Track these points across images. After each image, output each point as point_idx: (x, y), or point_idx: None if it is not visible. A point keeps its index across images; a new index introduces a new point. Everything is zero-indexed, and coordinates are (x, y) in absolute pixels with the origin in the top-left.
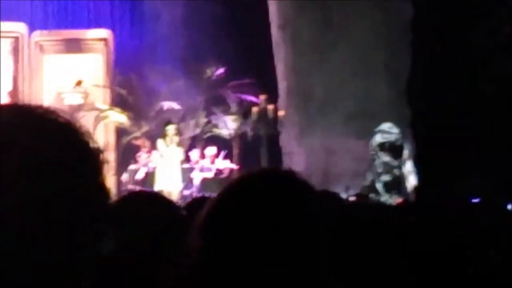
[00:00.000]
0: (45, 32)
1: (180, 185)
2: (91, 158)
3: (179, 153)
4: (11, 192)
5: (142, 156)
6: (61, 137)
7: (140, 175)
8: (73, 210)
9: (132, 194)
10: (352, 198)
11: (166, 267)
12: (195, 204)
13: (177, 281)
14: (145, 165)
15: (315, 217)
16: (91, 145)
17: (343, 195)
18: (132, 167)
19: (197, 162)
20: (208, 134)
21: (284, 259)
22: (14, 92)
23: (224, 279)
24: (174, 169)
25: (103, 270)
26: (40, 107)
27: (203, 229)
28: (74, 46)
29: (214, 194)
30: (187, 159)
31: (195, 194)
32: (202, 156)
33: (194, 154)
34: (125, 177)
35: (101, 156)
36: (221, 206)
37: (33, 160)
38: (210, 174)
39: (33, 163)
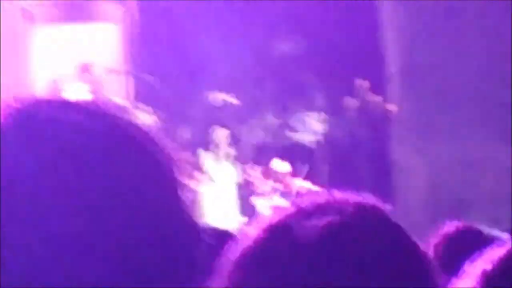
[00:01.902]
0: None
1: (237, 220)
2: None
3: (235, 172)
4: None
5: None
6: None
7: None
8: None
9: None
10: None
11: None
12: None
13: None
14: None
15: None
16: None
17: (490, 232)
18: None
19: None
20: (281, 142)
21: None
22: None
23: None
24: (228, 196)
25: None
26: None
27: None
28: (77, 12)
29: None
30: (246, 181)
31: None
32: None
33: (258, 172)
34: None
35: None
36: None
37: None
38: (285, 203)
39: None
